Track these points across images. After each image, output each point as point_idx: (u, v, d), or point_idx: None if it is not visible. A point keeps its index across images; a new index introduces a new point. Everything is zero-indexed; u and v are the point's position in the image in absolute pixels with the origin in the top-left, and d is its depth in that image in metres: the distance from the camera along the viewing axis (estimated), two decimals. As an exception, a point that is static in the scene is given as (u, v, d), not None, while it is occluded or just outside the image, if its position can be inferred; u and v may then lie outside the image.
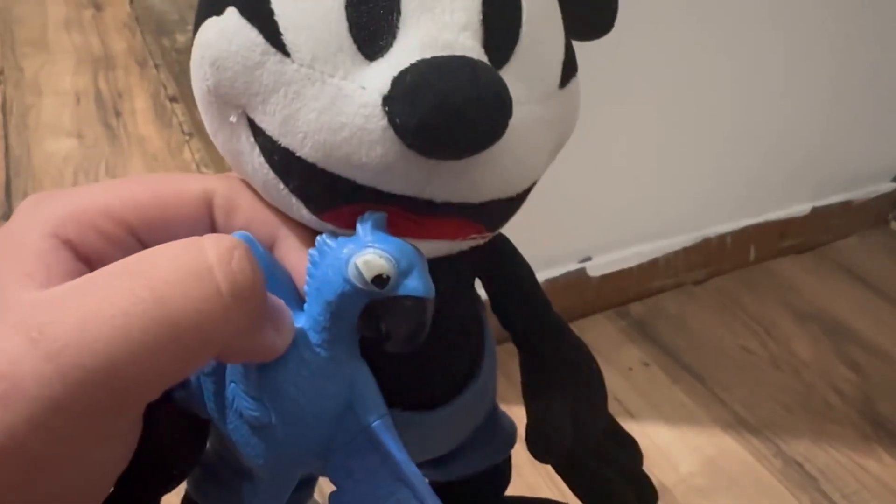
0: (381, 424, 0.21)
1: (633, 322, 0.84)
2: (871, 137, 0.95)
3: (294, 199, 0.21)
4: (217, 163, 1.03)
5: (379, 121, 0.19)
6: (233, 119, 0.21)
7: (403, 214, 0.21)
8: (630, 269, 0.83)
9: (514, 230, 0.83)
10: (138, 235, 0.20)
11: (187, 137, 1.10)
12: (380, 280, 0.19)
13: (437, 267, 0.23)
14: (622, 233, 0.82)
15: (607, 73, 0.68)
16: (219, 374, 0.22)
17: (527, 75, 0.21)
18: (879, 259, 0.97)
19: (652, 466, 0.68)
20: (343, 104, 0.19)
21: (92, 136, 1.09)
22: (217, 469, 0.28)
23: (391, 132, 0.19)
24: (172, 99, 1.20)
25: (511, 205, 0.23)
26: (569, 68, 0.23)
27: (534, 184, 0.23)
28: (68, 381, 0.15)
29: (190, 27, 0.23)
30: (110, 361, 0.15)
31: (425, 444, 0.27)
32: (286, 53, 0.19)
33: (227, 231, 0.21)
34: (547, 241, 0.77)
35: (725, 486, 0.66)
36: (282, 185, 0.21)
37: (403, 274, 0.19)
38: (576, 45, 0.25)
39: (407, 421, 0.24)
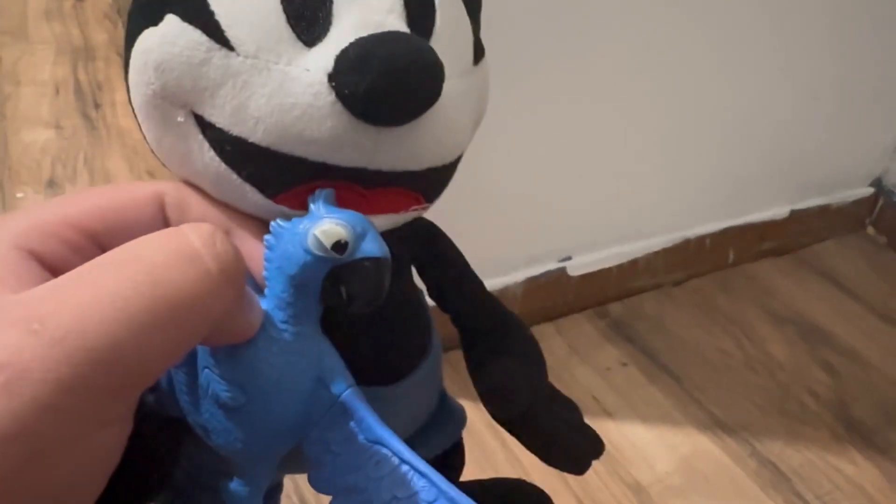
0: (351, 393, 0.22)
1: (612, 322, 0.84)
2: (849, 142, 0.96)
3: (248, 188, 0.22)
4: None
5: (327, 96, 0.20)
6: (180, 119, 0.22)
7: (351, 189, 0.22)
8: (610, 269, 0.83)
9: (495, 228, 0.83)
10: (99, 241, 0.21)
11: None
12: (339, 246, 0.20)
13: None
14: (602, 233, 0.82)
15: (589, 75, 0.68)
16: (190, 364, 0.23)
17: (446, 52, 0.22)
18: (856, 263, 0.98)
19: (628, 465, 0.68)
20: (291, 86, 0.21)
21: (70, 127, 1.08)
22: (189, 491, 0.29)
23: (339, 105, 0.20)
24: (153, 91, 1.18)
25: (445, 173, 0.25)
26: (479, 49, 0.26)
27: (461, 156, 0.26)
28: (74, 362, 0.15)
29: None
30: (113, 342, 0.16)
31: (388, 421, 0.28)
32: (231, 48, 0.21)
33: None
34: (527, 240, 0.77)
35: (700, 486, 0.66)
36: (234, 176, 0.22)
37: (360, 238, 0.21)
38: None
39: (369, 396, 0.25)
